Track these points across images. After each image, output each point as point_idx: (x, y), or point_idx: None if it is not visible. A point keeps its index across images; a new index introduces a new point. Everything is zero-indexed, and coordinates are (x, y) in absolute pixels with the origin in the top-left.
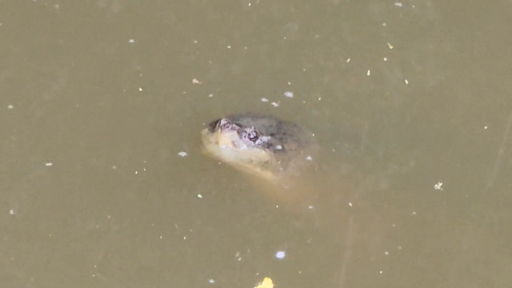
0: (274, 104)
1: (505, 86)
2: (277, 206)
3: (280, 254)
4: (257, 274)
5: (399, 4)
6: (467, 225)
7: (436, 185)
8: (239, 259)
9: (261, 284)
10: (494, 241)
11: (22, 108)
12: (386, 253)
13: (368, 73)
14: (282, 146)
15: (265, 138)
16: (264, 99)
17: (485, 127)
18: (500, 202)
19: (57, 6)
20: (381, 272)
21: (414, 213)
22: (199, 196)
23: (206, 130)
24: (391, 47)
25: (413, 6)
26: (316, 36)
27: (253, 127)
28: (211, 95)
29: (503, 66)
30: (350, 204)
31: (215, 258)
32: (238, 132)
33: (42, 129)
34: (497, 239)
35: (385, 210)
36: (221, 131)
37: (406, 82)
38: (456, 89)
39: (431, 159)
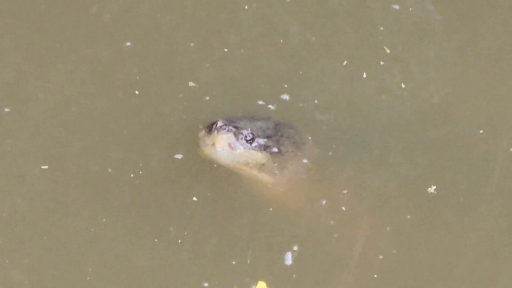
0: (271, 106)
1: (505, 92)
2: (270, 209)
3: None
4: (252, 277)
5: (396, 7)
6: (461, 229)
7: (429, 188)
8: (234, 262)
9: (255, 287)
10: (489, 245)
11: (19, 111)
12: (381, 257)
13: (364, 75)
14: (279, 149)
15: (261, 141)
16: (260, 102)
17: (481, 131)
18: (495, 207)
19: (54, 9)
20: (375, 276)
21: (408, 216)
22: (194, 198)
23: (203, 132)
24: (388, 51)
25: (410, 9)
26: (313, 39)
27: (249, 129)
28: (207, 98)
29: (504, 71)
30: (344, 208)
31: (210, 261)
32: (235, 134)
33: (38, 132)
34: (492, 243)
35: (380, 214)
36: (217, 133)
37: (403, 86)
38: (454, 95)
39: (427, 163)
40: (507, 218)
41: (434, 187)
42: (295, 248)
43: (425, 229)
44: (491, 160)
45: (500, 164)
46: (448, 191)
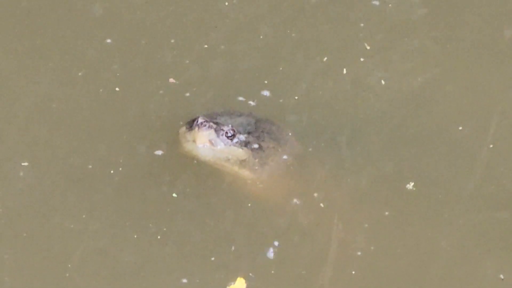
0: (251, 103)
1: (487, 89)
2: (249, 205)
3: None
4: (231, 273)
5: (376, 3)
6: (440, 226)
7: (408, 185)
8: (213, 258)
9: (234, 283)
10: (467, 242)
11: (4, 109)
12: (359, 253)
13: (344, 71)
14: (260, 145)
15: (242, 137)
16: (241, 98)
17: (460, 128)
18: (474, 203)
19: (35, 7)
20: (353, 272)
21: (386, 213)
22: (174, 195)
23: (184, 128)
24: (368, 47)
25: (390, 5)
26: (293, 35)
27: (230, 125)
28: (188, 94)
29: (485, 67)
30: (322, 204)
31: (189, 257)
32: (216, 131)
33: (18, 129)
34: (470, 240)
35: (359, 210)
36: (198, 129)
37: (383, 82)
38: (434, 91)
39: (406, 160)
40: (486, 215)
41: (412, 184)
42: (275, 244)
43: (403, 225)
44: (470, 156)
45: (480, 161)
46: (426, 187)
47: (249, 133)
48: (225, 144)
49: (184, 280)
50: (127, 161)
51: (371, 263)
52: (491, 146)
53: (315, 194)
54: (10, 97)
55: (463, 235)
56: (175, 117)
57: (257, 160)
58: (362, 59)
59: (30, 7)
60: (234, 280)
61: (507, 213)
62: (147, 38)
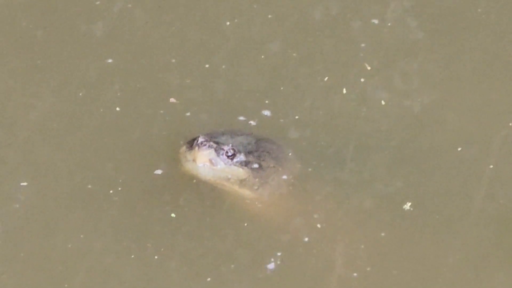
0: (252, 122)
1: (487, 110)
2: (245, 224)
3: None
4: None
5: (375, 21)
6: (437, 247)
7: (405, 205)
8: (209, 279)
9: None
10: (465, 263)
11: (4, 128)
12: (355, 274)
13: (344, 91)
14: (260, 164)
15: (242, 156)
16: (241, 118)
17: (459, 149)
18: (472, 224)
19: (39, 28)
20: None
21: (383, 234)
22: (172, 215)
23: (184, 148)
24: (368, 67)
25: (389, 24)
26: (294, 55)
27: (230, 144)
28: (188, 114)
29: (486, 89)
30: (319, 225)
31: (187, 277)
32: (216, 150)
33: (19, 149)
34: (468, 262)
35: (355, 230)
36: (198, 148)
37: (383, 102)
38: (435, 112)
39: (404, 180)
40: (484, 236)
41: (409, 204)
42: (273, 263)
43: (399, 246)
44: (469, 178)
45: (479, 182)
46: (423, 208)
47: (249, 152)
48: (225, 164)
49: None
50: (126, 181)
51: (367, 284)
52: (491, 166)
53: (314, 214)
54: (10, 117)
55: (460, 257)
56: (175, 136)
57: (257, 179)
58: (362, 79)
59: (30, 27)
60: None
61: (507, 234)
62: (148, 58)
